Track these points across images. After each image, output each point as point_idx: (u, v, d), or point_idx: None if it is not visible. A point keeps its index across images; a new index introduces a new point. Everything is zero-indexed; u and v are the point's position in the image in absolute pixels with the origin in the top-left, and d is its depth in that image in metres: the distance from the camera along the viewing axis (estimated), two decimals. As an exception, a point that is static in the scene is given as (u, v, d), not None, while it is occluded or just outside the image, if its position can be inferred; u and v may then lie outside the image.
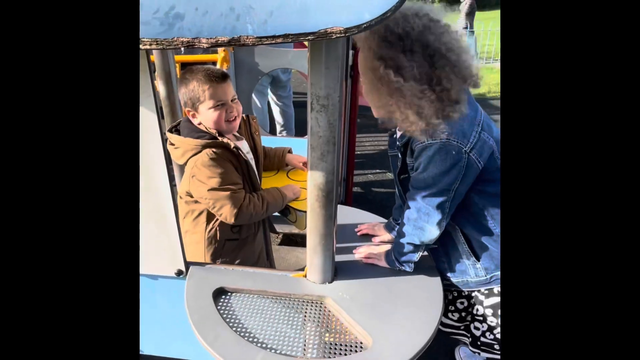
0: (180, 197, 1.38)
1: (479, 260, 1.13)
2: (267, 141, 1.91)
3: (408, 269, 1.14)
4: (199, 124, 1.33)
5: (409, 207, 1.09)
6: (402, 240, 1.11)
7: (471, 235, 1.12)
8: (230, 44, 0.65)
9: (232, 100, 1.33)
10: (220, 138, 1.28)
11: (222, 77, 1.31)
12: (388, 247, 1.19)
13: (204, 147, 1.26)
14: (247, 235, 1.43)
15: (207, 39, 0.65)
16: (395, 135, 1.20)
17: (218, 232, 1.36)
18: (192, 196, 1.32)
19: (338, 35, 0.64)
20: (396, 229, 1.18)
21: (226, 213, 1.26)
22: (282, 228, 2.41)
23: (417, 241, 1.08)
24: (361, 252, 1.23)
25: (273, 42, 0.65)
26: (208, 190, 1.24)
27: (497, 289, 1.16)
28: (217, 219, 1.34)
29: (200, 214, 1.35)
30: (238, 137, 1.46)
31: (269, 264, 1.58)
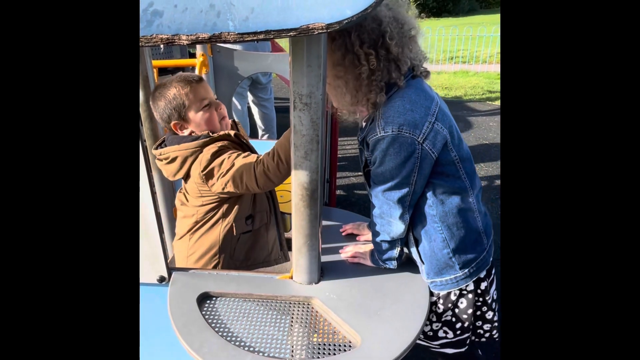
0: (194, 206, 1.30)
1: (423, 264, 1.11)
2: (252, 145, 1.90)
3: (392, 267, 1.14)
4: (190, 133, 1.26)
5: (373, 205, 1.08)
6: (377, 239, 1.11)
7: (419, 237, 1.10)
8: (211, 40, 0.64)
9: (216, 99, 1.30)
10: (223, 133, 1.23)
11: (199, 78, 1.29)
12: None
13: (204, 146, 1.19)
14: (260, 226, 1.37)
15: (187, 35, 0.64)
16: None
17: (234, 227, 1.30)
18: (201, 199, 1.26)
19: (320, 31, 0.64)
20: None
21: (247, 180, 1.14)
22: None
23: (388, 237, 1.08)
24: (347, 251, 1.22)
25: (255, 38, 0.64)
26: (220, 174, 1.15)
27: (433, 296, 1.13)
28: (231, 213, 1.27)
29: (214, 214, 1.29)
30: None
31: (283, 254, 1.50)
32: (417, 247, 1.12)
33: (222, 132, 1.23)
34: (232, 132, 1.24)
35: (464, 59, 8.62)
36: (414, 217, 1.09)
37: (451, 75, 7.62)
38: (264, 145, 2.31)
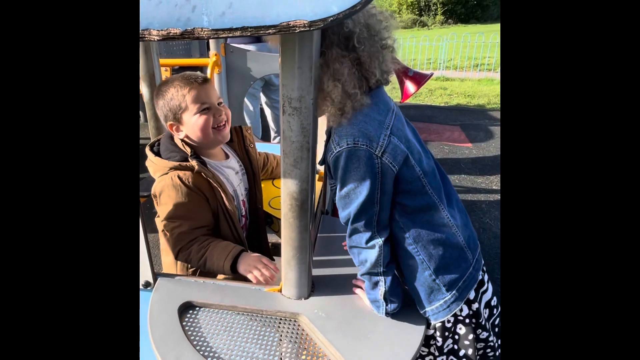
0: (158, 216, 1.28)
1: (413, 295, 1.02)
2: (262, 148, 1.85)
3: (381, 313, 1.00)
4: (185, 136, 1.21)
5: (348, 239, 0.97)
6: (363, 277, 1.00)
7: (401, 266, 1.00)
8: (183, 36, 0.59)
9: (218, 104, 1.22)
10: (192, 161, 1.16)
11: (203, 80, 1.22)
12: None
13: (171, 169, 1.17)
14: None
15: (158, 30, 0.59)
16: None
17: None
18: None
19: (302, 29, 0.58)
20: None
21: (170, 247, 1.18)
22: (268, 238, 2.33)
23: (365, 270, 0.97)
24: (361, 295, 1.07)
25: (230, 35, 0.59)
26: (162, 219, 1.17)
27: (430, 329, 1.03)
28: None
29: None
30: (227, 155, 1.36)
31: None
32: (403, 278, 1.01)
33: (193, 162, 1.16)
34: (195, 167, 1.16)
35: (489, 66, 8.39)
36: (390, 245, 0.98)
37: (475, 82, 7.41)
38: (276, 149, 2.27)
